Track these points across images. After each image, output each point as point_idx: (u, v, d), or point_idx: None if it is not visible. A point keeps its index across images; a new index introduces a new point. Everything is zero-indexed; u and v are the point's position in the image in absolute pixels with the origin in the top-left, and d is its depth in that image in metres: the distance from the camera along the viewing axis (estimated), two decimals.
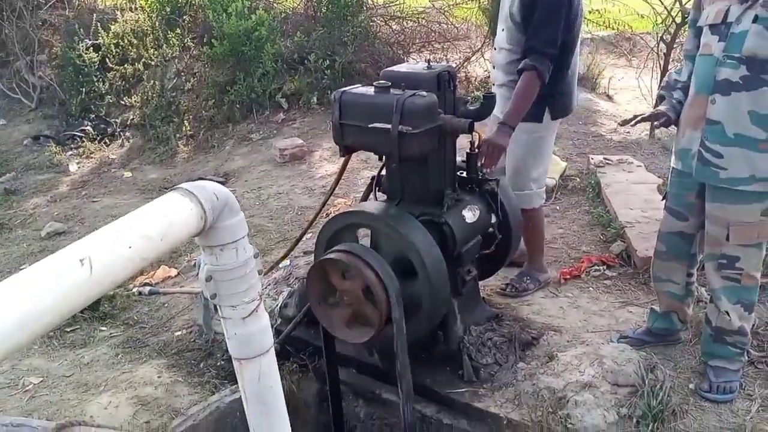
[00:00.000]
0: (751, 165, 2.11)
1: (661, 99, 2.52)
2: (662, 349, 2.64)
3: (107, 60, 7.13)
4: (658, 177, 4.25)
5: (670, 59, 5.64)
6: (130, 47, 7.19)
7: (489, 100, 2.37)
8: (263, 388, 1.49)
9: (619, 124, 2.61)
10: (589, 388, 2.26)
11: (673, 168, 2.40)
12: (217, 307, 1.39)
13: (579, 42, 2.94)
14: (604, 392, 2.25)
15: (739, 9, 2.08)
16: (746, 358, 2.46)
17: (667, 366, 2.49)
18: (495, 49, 3.05)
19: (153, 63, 7.06)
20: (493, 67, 3.11)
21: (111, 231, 1.03)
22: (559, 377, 2.34)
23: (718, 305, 2.36)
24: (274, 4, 7.56)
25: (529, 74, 2.68)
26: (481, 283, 2.90)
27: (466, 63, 7.06)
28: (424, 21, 7.59)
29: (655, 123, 2.47)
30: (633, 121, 2.43)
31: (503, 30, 2.93)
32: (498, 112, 2.84)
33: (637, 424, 2.20)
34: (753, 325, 2.50)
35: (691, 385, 2.44)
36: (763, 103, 2.06)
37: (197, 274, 1.34)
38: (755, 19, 2.02)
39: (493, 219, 2.61)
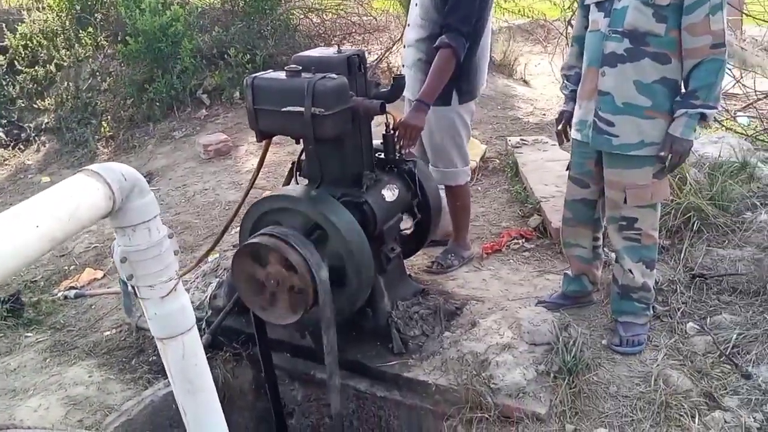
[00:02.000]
0: (640, 131, 2.29)
1: (566, 78, 2.68)
2: (576, 310, 2.81)
3: (16, 62, 6.84)
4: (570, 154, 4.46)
5: None
6: (39, 48, 6.92)
7: (399, 81, 2.45)
8: (188, 366, 1.52)
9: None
10: (508, 349, 2.40)
11: (573, 139, 2.56)
12: (136, 288, 1.42)
13: (488, 28, 2.98)
14: (522, 352, 2.39)
15: None
16: (651, 312, 2.65)
17: (581, 325, 2.66)
18: (408, 25, 3.07)
19: (65, 64, 6.82)
20: (404, 47, 3.14)
21: (18, 211, 1.05)
22: (480, 341, 2.47)
23: (622, 264, 2.54)
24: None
25: (445, 51, 2.73)
26: (407, 262, 3.00)
27: (387, 53, 7.16)
28: (343, 13, 7.65)
29: (563, 123, 2.66)
30: (561, 137, 2.68)
31: (416, 5, 2.96)
32: (409, 93, 2.92)
33: (554, 379, 2.34)
34: (656, 281, 2.71)
35: (603, 341, 2.61)
36: (645, 73, 2.23)
37: (112, 256, 1.37)
38: None
39: (412, 198, 2.70)
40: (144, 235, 1.31)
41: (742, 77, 5.16)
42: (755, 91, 5.09)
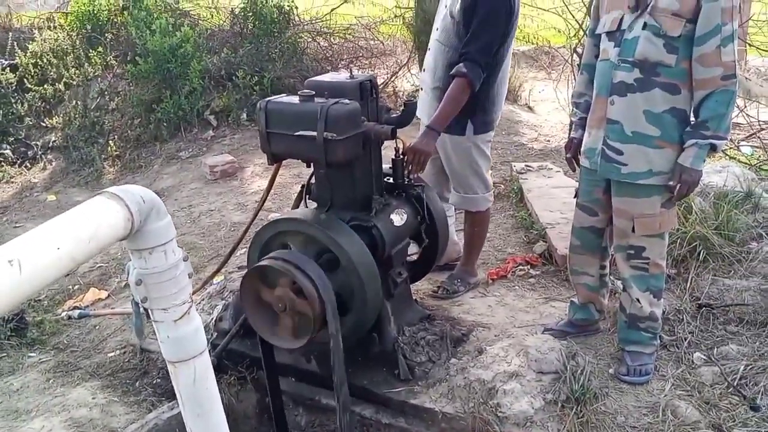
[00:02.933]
0: (649, 160, 2.30)
1: (575, 106, 2.70)
2: (583, 338, 2.80)
3: (25, 80, 6.92)
4: (576, 181, 4.47)
5: None
6: (49, 67, 7.00)
7: (409, 107, 2.47)
8: (199, 390, 1.51)
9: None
10: (516, 377, 2.38)
11: (582, 167, 2.58)
12: (149, 311, 1.42)
13: (508, 60, 2.98)
14: (530, 380, 2.37)
15: (630, 17, 2.28)
16: (659, 342, 2.65)
17: (588, 353, 2.65)
18: (429, 49, 3.06)
19: (74, 83, 6.89)
20: (423, 70, 3.13)
21: (39, 233, 1.06)
22: (488, 369, 2.45)
23: (629, 293, 2.54)
24: (200, 21, 7.53)
25: (459, 81, 2.73)
26: (413, 287, 3.00)
27: (393, 78, 7.24)
28: (351, 37, 7.74)
29: (572, 150, 2.68)
30: (572, 164, 2.70)
31: (437, 29, 2.96)
32: (424, 118, 2.94)
33: (561, 408, 2.32)
34: (663, 311, 2.70)
35: (610, 370, 2.60)
36: (655, 102, 2.25)
37: (127, 278, 1.37)
38: (644, 26, 2.22)
39: (420, 223, 2.71)
40: (160, 258, 1.32)
41: (746, 107, 5.21)
42: (759, 121, 5.13)
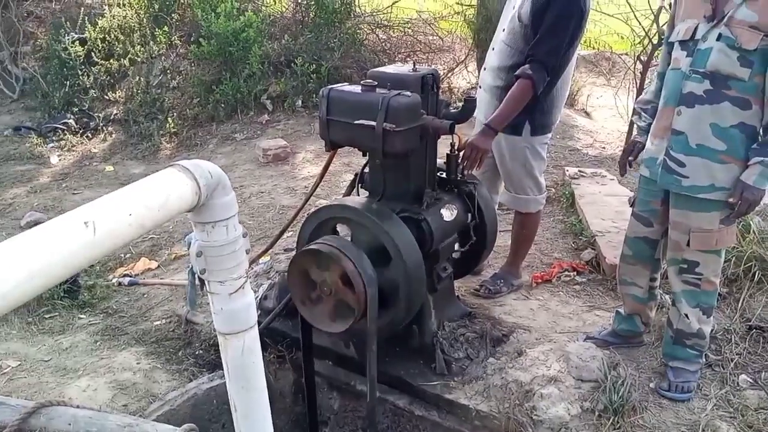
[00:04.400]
0: (711, 175, 2.24)
1: (643, 111, 2.65)
2: (626, 350, 2.75)
3: (93, 54, 7.15)
4: (630, 190, 4.40)
5: (646, 79, 5.83)
6: (116, 43, 7.22)
7: (469, 104, 2.47)
8: (246, 364, 1.55)
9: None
10: (554, 382, 2.37)
11: (641, 176, 2.53)
12: (206, 282, 1.47)
13: (572, 64, 2.94)
14: (568, 386, 2.36)
15: (705, 27, 2.22)
16: (704, 360, 2.59)
17: (629, 365, 2.61)
18: (492, 49, 3.03)
19: (139, 59, 7.09)
20: (484, 69, 3.10)
21: (114, 199, 1.11)
22: (526, 371, 2.44)
23: (679, 308, 2.49)
24: (263, 7, 7.64)
25: (523, 82, 2.70)
26: (455, 282, 3.00)
27: (449, 74, 7.20)
28: (410, 31, 7.74)
29: (633, 152, 2.62)
30: (625, 167, 2.63)
31: (504, 30, 2.93)
32: (481, 116, 2.93)
33: (599, 417, 2.30)
34: (711, 329, 2.63)
35: (651, 384, 2.55)
36: (724, 116, 2.19)
37: (188, 249, 1.41)
38: (719, 38, 2.16)
39: (470, 220, 2.71)
40: (222, 232, 1.35)
41: None
42: None
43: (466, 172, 2.70)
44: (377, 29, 7.62)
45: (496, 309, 3.13)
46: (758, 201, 2.20)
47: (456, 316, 2.78)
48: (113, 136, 6.76)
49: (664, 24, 5.46)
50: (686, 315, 2.46)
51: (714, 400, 2.45)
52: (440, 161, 2.69)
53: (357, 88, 2.34)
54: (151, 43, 7.09)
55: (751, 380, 2.53)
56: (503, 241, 3.46)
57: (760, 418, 2.33)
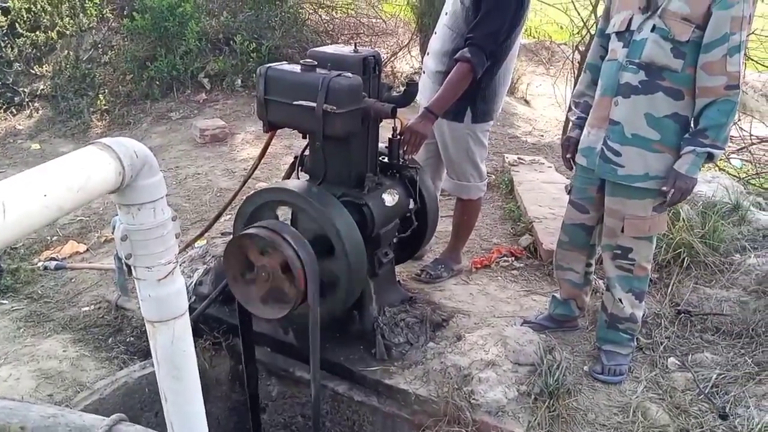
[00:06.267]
0: (646, 164, 2.29)
1: (574, 105, 2.68)
2: (561, 334, 2.82)
3: (17, 25, 6.73)
4: (566, 178, 4.49)
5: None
6: (43, 14, 6.81)
7: (411, 88, 2.44)
8: (176, 352, 1.49)
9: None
10: (492, 366, 2.39)
11: (578, 164, 2.57)
12: (132, 268, 1.39)
13: (514, 52, 2.94)
14: (506, 370, 2.38)
15: (640, 18, 2.25)
16: (635, 343, 2.67)
17: (564, 349, 2.66)
18: (435, 33, 3.01)
19: (68, 32, 6.73)
20: (427, 54, 3.08)
21: (28, 178, 1.02)
22: (465, 356, 2.45)
23: (612, 293, 2.55)
24: None
25: (462, 66, 2.69)
26: (397, 267, 2.98)
27: (393, 58, 7.17)
28: (353, 12, 7.64)
29: (570, 149, 2.64)
30: (570, 163, 2.64)
31: (446, 14, 2.91)
32: (423, 101, 2.91)
33: (534, 401, 2.34)
34: (643, 314, 2.72)
35: (585, 367, 2.62)
36: (658, 106, 2.24)
37: (112, 232, 1.33)
38: (653, 29, 2.20)
39: (411, 205, 2.69)
40: (148, 215, 1.28)
41: (740, 120, 5.23)
42: (751, 135, 5.16)
43: (407, 157, 2.67)
44: (319, 9, 7.49)
45: (437, 294, 3.14)
46: (690, 189, 2.27)
47: (397, 302, 2.77)
48: (40, 112, 6.41)
49: (600, 15, 5.58)
50: (620, 300, 2.52)
51: (644, 383, 2.54)
52: (382, 146, 2.65)
53: (296, 68, 2.27)
54: (81, 15, 6.74)
55: (679, 363, 2.63)
56: (444, 226, 3.47)
57: (686, 399, 2.43)
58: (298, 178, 2.62)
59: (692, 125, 2.27)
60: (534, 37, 8.62)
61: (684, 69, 2.19)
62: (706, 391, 2.45)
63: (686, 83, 2.20)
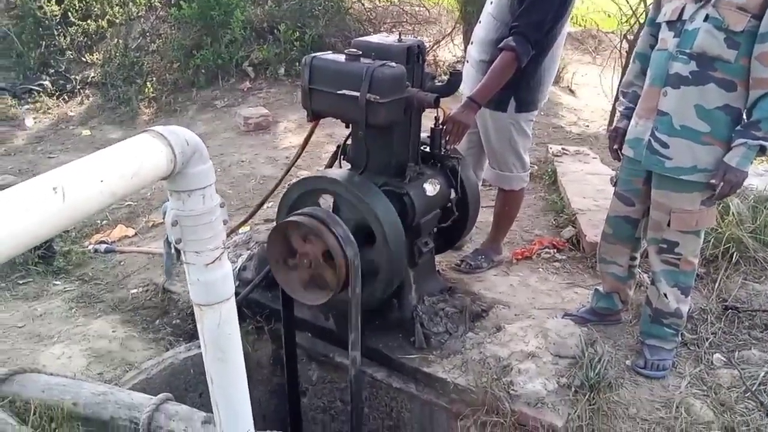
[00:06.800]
0: (694, 156, 2.24)
1: (622, 95, 2.63)
2: (603, 327, 2.78)
3: (69, 14, 6.95)
4: (612, 169, 4.40)
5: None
6: (94, 3, 7.02)
7: (455, 77, 2.43)
8: (222, 335, 1.53)
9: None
10: (532, 357, 2.38)
11: (624, 155, 2.52)
12: (181, 252, 1.43)
13: (560, 41, 2.89)
14: (546, 362, 2.37)
15: (693, 7, 2.19)
16: (680, 339, 2.61)
17: (606, 342, 2.63)
18: (479, 22, 2.99)
19: (117, 21, 6.91)
20: (471, 43, 3.05)
21: (85, 164, 1.06)
22: (505, 347, 2.45)
23: (657, 287, 2.50)
24: None
25: (507, 54, 2.66)
26: (436, 257, 2.99)
27: (435, 46, 7.12)
28: (396, 1, 7.61)
29: (617, 140, 2.58)
30: (617, 154, 2.58)
31: (491, 2, 2.88)
32: (466, 90, 2.89)
33: (575, 393, 2.32)
34: (689, 309, 2.66)
35: (627, 362, 2.58)
36: (709, 98, 2.17)
37: (163, 217, 1.37)
38: (706, 18, 2.14)
39: (452, 195, 2.69)
40: (198, 201, 1.31)
41: None
42: None
43: (449, 147, 2.67)
44: None
45: (476, 284, 3.13)
46: (740, 183, 2.20)
47: (436, 291, 2.78)
48: (90, 99, 6.60)
49: (651, 2, 5.43)
50: (665, 294, 2.47)
51: (688, 378, 2.49)
52: (424, 135, 2.65)
53: (341, 57, 2.28)
54: (131, 4, 6.90)
55: (724, 359, 2.57)
56: (485, 217, 3.45)
57: (732, 396, 2.37)
58: (341, 167, 2.64)
59: (745, 117, 2.20)
60: (581, 26, 8.44)
61: (737, 60, 2.12)
62: (753, 389, 2.39)
63: (739, 74, 2.13)
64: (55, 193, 1.00)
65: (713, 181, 2.22)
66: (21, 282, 3.31)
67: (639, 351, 2.60)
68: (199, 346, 1.56)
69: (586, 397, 2.30)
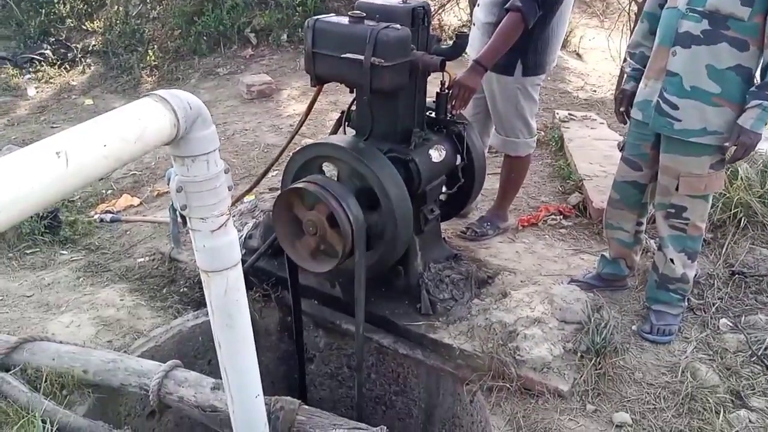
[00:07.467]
0: (704, 118, 2.20)
1: (630, 56, 2.59)
2: (609, 293, 2.78)
3: None
4: (619, 135, 4.36)
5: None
6: None
7: (461, 40, 2.38)
8: (229, 302, 1.53)
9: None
10: (538, 323, 2.39)
11: (632, 118, 2.48)
12: (187, 219, 1.42)
13: (567, 3, 2.82)
14: (552, 328, 2.38)
15: None
16: (686, 304, 2.62)
17: (612, 308, 2.63)
18: None
19: None
20: (477, 5, 3.00)
21: (87, 128, 1.05)
22: (510, 313, 2.45)
23: (664, 252, 2.49)
24: None
25: (513, 15, 2.60)
26: (442, 224, 2.98)
27: (441, 10, 7.00)
28: None
29: (624, 102, 2.56)
30: (623, 116, 2.57)
31: None
32: (473, 53, 2.84)
33: (581, 358, 2.33)
34: (695, 274, 2.65)
35: (633, 327, 2.59)
36: (721, 58, 2.13)
37: (168, 184, 1.36)
38: None
39: (458, 161, 2.66)
40: (202, 167, 1.30)
41: None
42: None
43: (455, 112, 2.63)
44: None
45: (482, 251, 3.12)
46: (755, 145, 2.17)
47: (442, 258, 2.77)
48: (92, 68, 6.55)
49: None
50: (672, 260, 2.46)
51: (694, 343, 2.50)
52: (430, 100, 2.61)
53: (344, 20, 2.24)
54: None
55: (731, 324, 2.58)
56: (491, 184, 3.42)
57: (738, 361, 2.38)
58: (345, 134, 2.62)
59: (758, 78, 2.16)
60: None
61: (751, 17, 2.07)
62: (759, 353, 2.40)
63: (753, 33, 2.09)
64: (58, 158, 0.99)
65: (727, 143, 2.19)
66: (28, 252, 3.33)
67: (645, 316, 2.61)
68: (207, 314, 1.56)
69: (592, 362, 2.31)
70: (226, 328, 1.57)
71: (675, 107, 2.24)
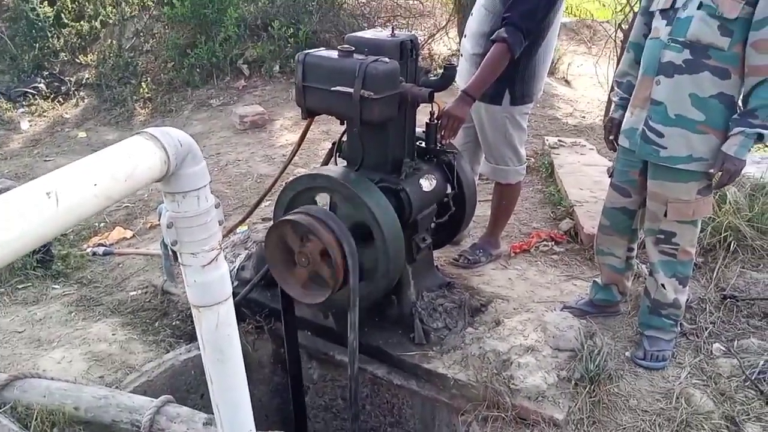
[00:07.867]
0: (690, 145, 2.23)
1: (617, 85, 2.63)
2: (602, 319, 2.78)
3: (62, 15, 6.92)
4: (609, 160, 4.40)
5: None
6: (87, 3, 7.00)
7: (449, 71, 2.42)
8: (221, 336, 1.53)
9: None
10: (531, 351, 2.38)
11: (620, 146, 2.52)
12: (178, 254, 1.43)
13: (554, 31, 2.87)
14: (545, 356, 2.37)
15: None
16: (679, 329, 2.62)
17: (605, 334, 2.63)
18: (471, 15, 2.97)
19: (111, 21, 6.89)
20: (465, 36, 3.04)
21: (77, 168, 1.06)
22: (504, 341, 2.45)
23: (656, 278, 2.50)
24: None
25: (499, 46, 2.64)
26: (434, 253, 2.99)
27: (430, 40, 7.11)
28: None
29: (612, 131, 2.62)
30: (612, 144, 2.62)
31: None
32: (462, 84, 2.88)
33: (575, 386, 2.32)
34: (687, 299, 2.66)
35: (627, 353, 2.58)
36: (703, 86, 2.17)
37: (158, 219, 1.37)
38: (699, 6, 2.13)
39: (449, 190, 2.68)
40: (193, 203, 1.31)
41: None
42: None
43: (444, 142, 2.66)
44: None
45: (475, 279, 3.13)
46: (739, 171, 2.20)
47: (435, 287, 2.77)
48: (85, 101, 6.58)
49: None
50: (663, 285, 2.47)
51: (688, 368, 2.49)
52: (419, 130, 2.64)
53: (334, 54, 2.27)
54: (123, 4, 6.88)
55: (724, 348, 2.58)
56: (482, 211, 3.45)
57: (732, 386, 2.38)
58: (336, 165, 2.64)
59: (740, 105, 2.20)
60: (575, 16, 8.43)
61: (731, 47, 2.11)
62: (753, 378, 2.39)
63: (733, 62, 2.13)
64: (48, 198, 1.00)
65: (712, 170, 2.22)
66: (20, 287, 3.31)
67: (638, 342, 2.61)
68: (199, 348, 1.55)
69: (587, 389, 2.30)
70: (217, 363, 1.56)
71: (660, 135, 2.28)
